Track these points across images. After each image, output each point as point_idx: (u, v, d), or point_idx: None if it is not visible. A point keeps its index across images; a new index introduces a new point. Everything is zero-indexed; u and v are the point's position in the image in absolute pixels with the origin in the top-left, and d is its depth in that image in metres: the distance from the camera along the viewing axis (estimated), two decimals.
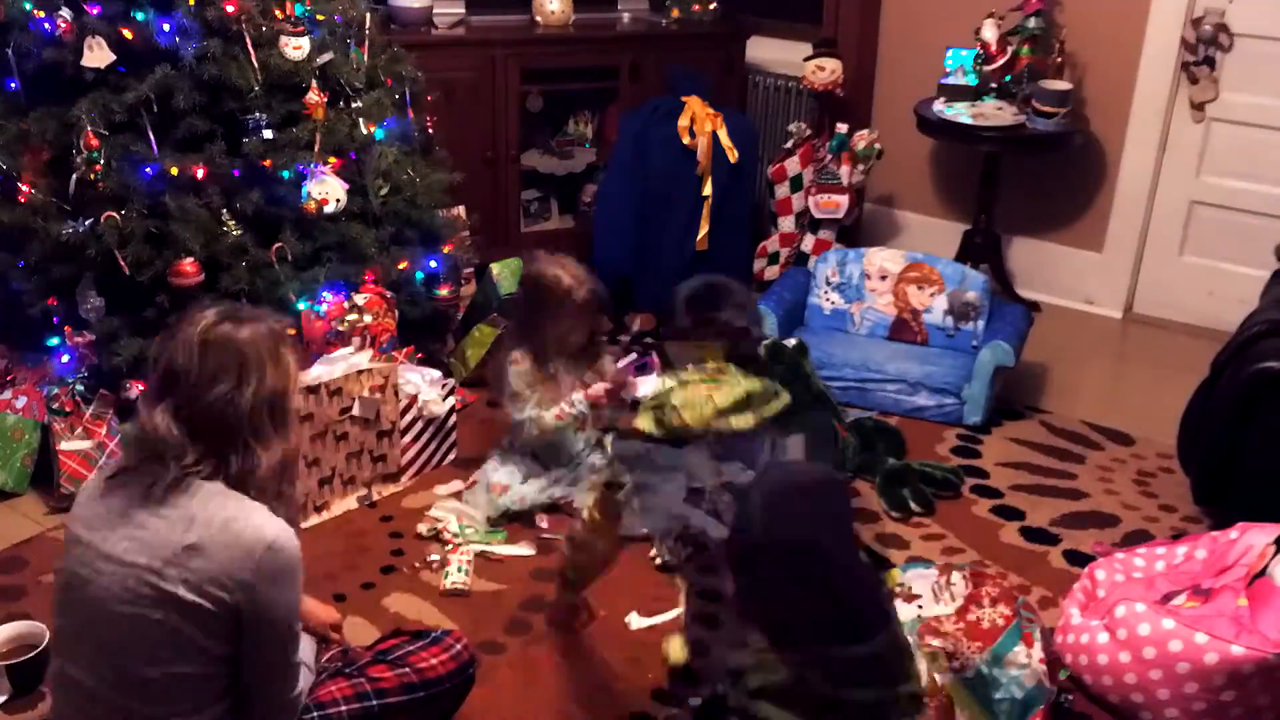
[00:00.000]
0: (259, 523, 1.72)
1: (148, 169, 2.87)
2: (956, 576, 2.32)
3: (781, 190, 4.33)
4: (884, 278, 3.66)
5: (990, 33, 4.00)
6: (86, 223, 2.86)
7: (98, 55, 2.85)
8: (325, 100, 3.03)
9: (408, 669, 1.99)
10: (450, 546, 2.76)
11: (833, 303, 3.72)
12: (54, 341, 2.96)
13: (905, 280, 3.63)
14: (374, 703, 1.92)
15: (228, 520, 1.70)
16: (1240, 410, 2.73)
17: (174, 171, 2.88)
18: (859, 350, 3.54)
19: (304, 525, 2.78)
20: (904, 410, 3.42)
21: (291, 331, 2.86)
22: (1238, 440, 2.76)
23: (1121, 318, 4.28)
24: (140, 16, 2.88)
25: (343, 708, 1.89)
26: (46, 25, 2.86)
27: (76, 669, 1.78)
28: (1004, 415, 3.46)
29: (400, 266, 3.22)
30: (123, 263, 2.85)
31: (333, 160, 3.05)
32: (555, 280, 2.87)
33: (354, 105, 3.16)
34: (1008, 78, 4.03)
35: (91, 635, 1.76)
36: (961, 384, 3.39)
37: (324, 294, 3.02)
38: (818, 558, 1.62)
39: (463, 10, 4.15)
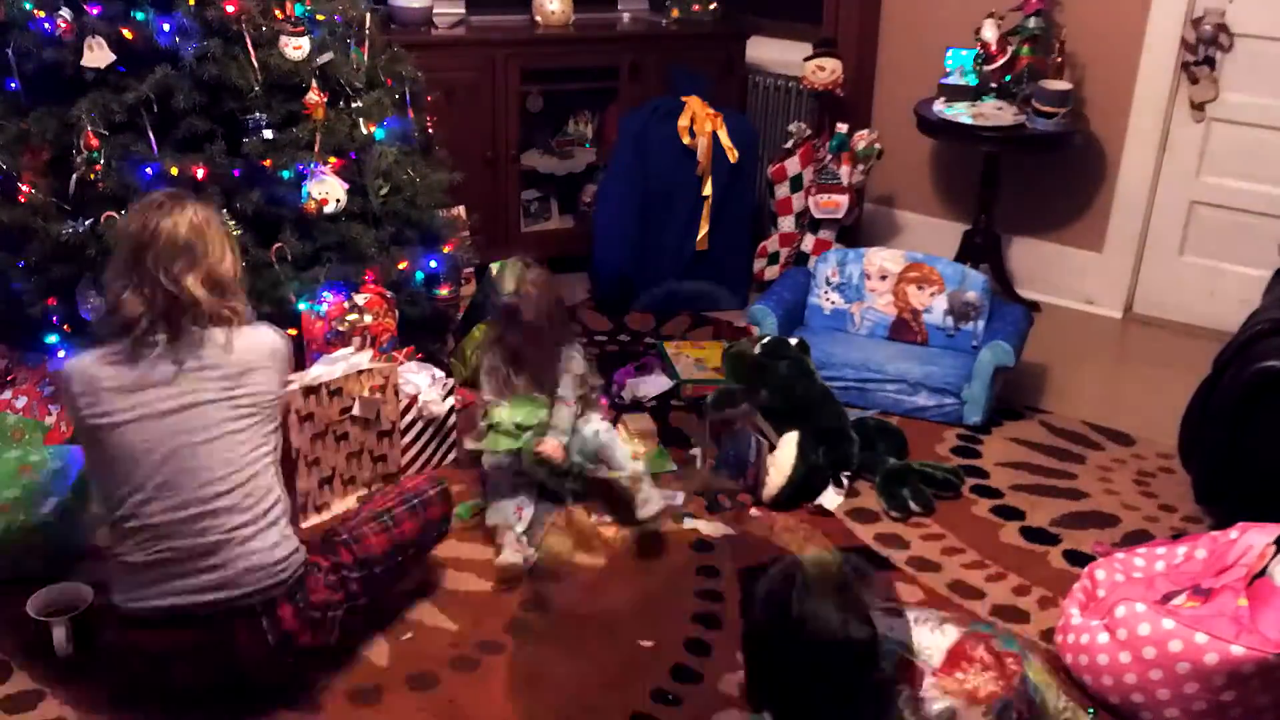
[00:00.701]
0: (268, 334, 2.26)
1: (148, 169, 2.87)
2: (950, 629, 2.19)
3: (781, 190, 4.33)
4: (884, 278, 3.66)
5: (990, 33, 4.00)
6: (86, 223, 2.86)
7: (98, 55, 2.85)
8: (325, 100, 3.02)
9: (396, 529, 2.34)
10: None
11: (833, 303, 3.72)
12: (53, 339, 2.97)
13: (905, 280, 3.63)
14: (359, 588, 2.25)
15: (249, 340, 2.18)
16: (1242, 410, 2.73)
17: (174, 171, 2.88)
18: (859, 350, 3.53)
19: (304, 525, 2.78)
20: (904, 410, 3.42)
21: (294, 331, 2.91)
22: (1239, 440, 2.76)
23: (1121, 318, 4.28)
24: (140, 16, 2.88)
25: (336, 612, 2.20)
26: (46, 25, 2.85)
27: (163, 513, 2.07)
28: (1004, 415, 3.46)
29: (400, 266, 3.22)
30: None
31: (333, 160, 3.05)
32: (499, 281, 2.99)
33: (354, 105, 3.16)
34: (1008, 78, 4.03)
35: (176, 477, 2.07)
36: (961, 384, 3.38)
37: (324, 294, 3.02)
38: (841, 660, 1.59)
39: (463, 10, 4.15)
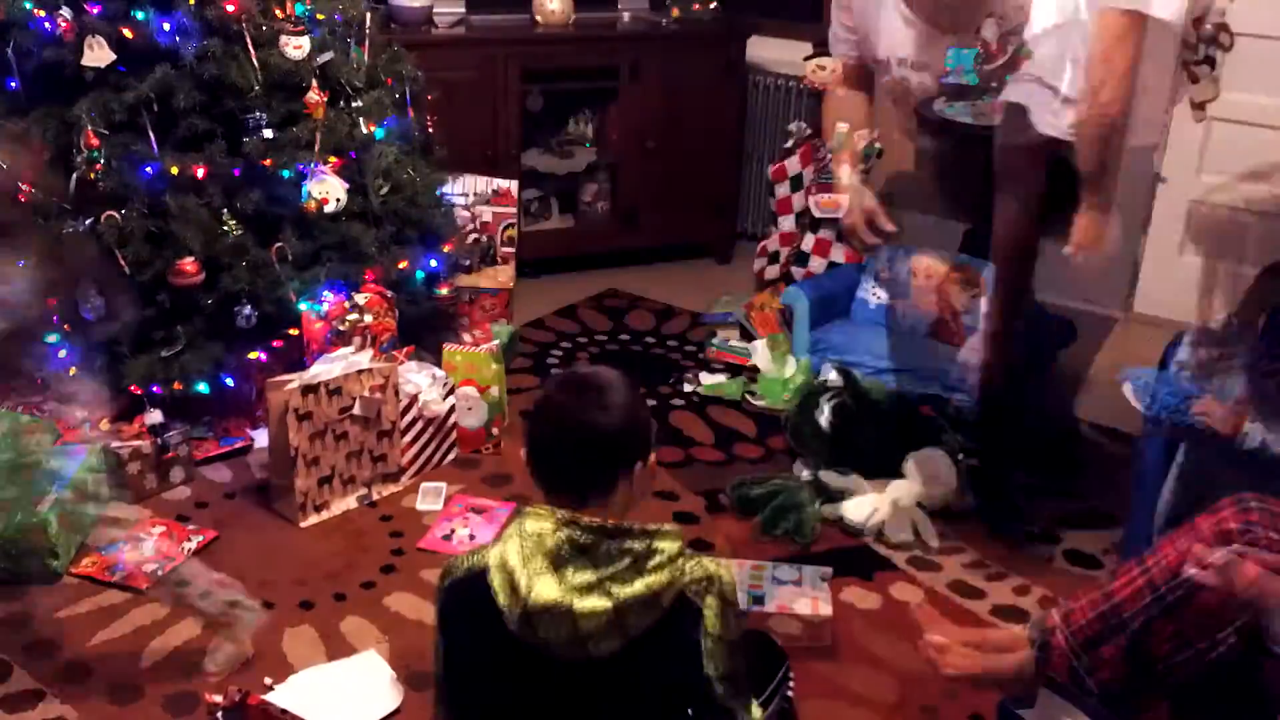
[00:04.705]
0: None
1: (148, 168, 2.87)
2: None
3: (781, 190, 4.32)
4: (929, 277, 3.66)
5: (990, 32, 3.99)
6: (86, 222, 2.86)
7: (98, 55, 2.85)
8: (325, 100, 3.03)
9: None
10: None
11: (879, 298, 3.74)
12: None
13: (950, 281, 3.63)
14: None
15: None
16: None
17: (174, 171, 2.89)
18: (888, 343, 3.55)
19: (303, 525, 2.79)
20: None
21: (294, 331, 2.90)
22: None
23: (1121, 318, 4.27)
24: (140, 16, 2.89)
25: None
26: (46, 25, 2.86)
27: None
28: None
29: (400, 266, 3.22)
30: (123, 262, 2.85)
31: (333, 160, 3.05)
32: None
33: (354, 105, 3.16)
34: (1008, 77, 4.02)
35: None
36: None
37: (324, 294, 3.03)
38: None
39: (463, 10, 4.16)
